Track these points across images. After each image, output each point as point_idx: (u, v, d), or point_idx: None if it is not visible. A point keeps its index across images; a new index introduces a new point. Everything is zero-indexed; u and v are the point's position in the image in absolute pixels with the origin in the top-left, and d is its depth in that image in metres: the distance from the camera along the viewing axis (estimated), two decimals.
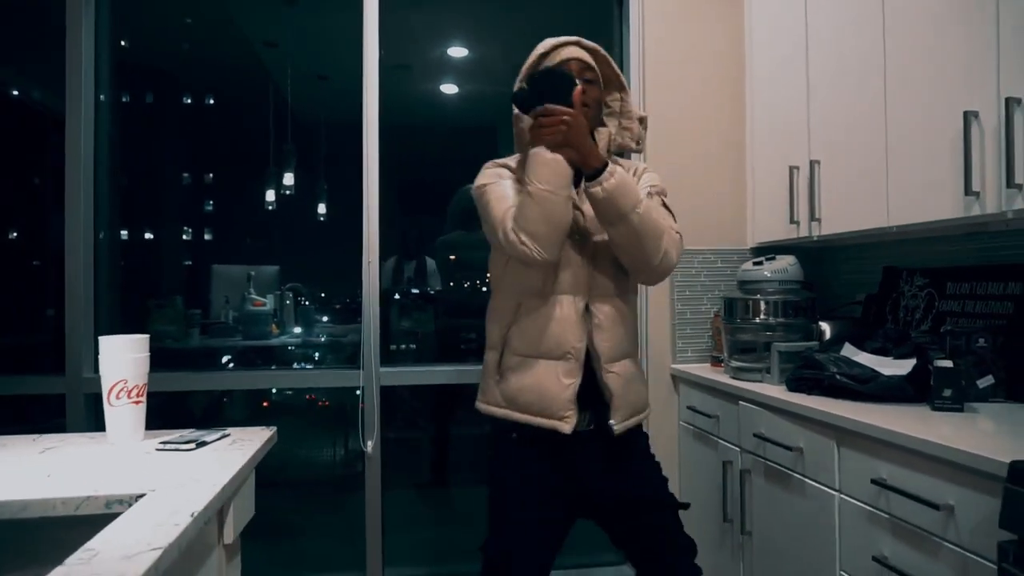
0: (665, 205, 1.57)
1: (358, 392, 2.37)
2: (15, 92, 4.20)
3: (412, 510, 3.34)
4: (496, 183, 1.51)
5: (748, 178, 2.53)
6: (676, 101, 2.53)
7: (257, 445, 1.23)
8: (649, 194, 1.53)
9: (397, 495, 3.04)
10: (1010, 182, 1.41)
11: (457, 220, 3.76)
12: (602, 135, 1.60)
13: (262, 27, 4.40)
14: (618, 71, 1.64)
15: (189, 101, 5.34)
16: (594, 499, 1.55)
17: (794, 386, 1.86)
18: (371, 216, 2.40)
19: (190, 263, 5.37)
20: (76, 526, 0.92)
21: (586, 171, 1.41)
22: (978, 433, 1.35)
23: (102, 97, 2.50)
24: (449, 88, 5.14)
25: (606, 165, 1.39)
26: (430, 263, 4.21)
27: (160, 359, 3.85)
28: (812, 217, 2.10)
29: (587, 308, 1.51)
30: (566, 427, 1.47)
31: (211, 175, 5.82)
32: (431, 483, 3.67)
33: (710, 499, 2.19)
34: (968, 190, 1.50)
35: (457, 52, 4.69)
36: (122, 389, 1.24)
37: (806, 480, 1.67)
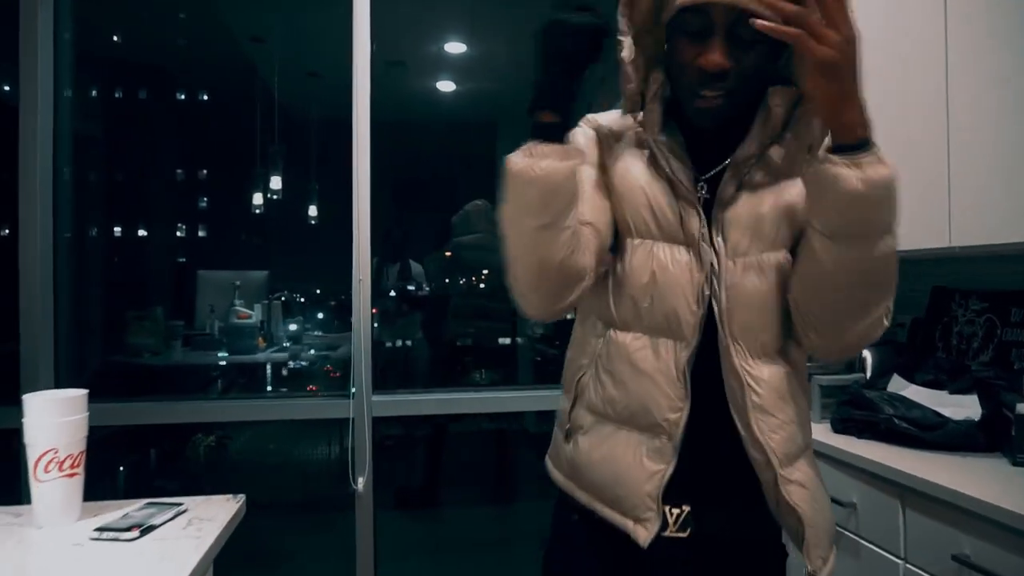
0: None
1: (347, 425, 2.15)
2: None
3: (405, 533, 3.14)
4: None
5: None
6: None
7: (216, 530, 1.00)
8: None
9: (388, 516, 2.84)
10: None
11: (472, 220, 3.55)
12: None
13: (249, 22, 4.15)
14: None
15: (176, 98, 5.11)
16: None
17: (841, 427, 1.64)
18: (362, 228, 2.18)
19: (175, 267, 5.13)
20: None
21: (840, 137, 0.80)
22: None
23: (67, 92, 2.27)
24: (446, 85, 4.92)
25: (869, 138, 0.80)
26: (415, 266, 4.00)
27: (137, 378, 3.61)
28: None
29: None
30: (642, 534, 0.93)
31: (198, 174, 5.59)
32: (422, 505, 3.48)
33: None
34: None
35: (455, 48, 4.46)
36: (52, 460, 1.01)
37: (861, 541, 1.46)
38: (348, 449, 2.13)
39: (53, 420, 1.01)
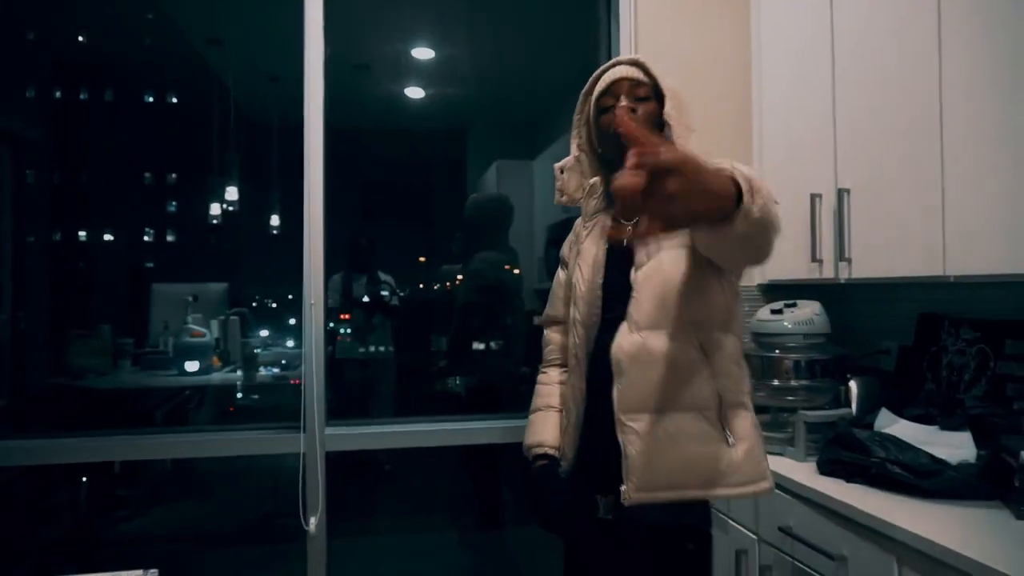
0: None
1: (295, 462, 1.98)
2: None
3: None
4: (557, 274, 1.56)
5: None
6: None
7: None
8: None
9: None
10: None
11: (481, 234, 2.98)
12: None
13: (204, 22, 3.95)
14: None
15: (129, 102, 4.87)
16: None
17: (828, 469, 1.53)
18: (314, 247, 2.02)
19: (127, 280, 4.88)
20: None
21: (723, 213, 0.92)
22: None
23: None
24: (415, 92, 4.77)
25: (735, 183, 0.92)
26: (384, 276, 3.85)
27: (79, 402, 3.37)
28: (840, 256, 1.77)
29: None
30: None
31: (152, 180, 5.34)
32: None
33: None
34: None
35: (423, 54, 4.31)
36: None
37: None
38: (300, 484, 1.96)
39: None
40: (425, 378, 3.65)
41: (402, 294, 4.06)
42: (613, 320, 1.29)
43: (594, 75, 1.41)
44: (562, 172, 1.45)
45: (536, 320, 1.62)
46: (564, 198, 1.45)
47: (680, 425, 1.22)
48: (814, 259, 1.85)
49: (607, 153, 1.38)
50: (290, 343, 4.11)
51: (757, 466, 1.27)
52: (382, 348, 3.86)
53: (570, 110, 1.46)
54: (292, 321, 4.31)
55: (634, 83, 1.34)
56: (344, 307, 3.82)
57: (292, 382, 3.30)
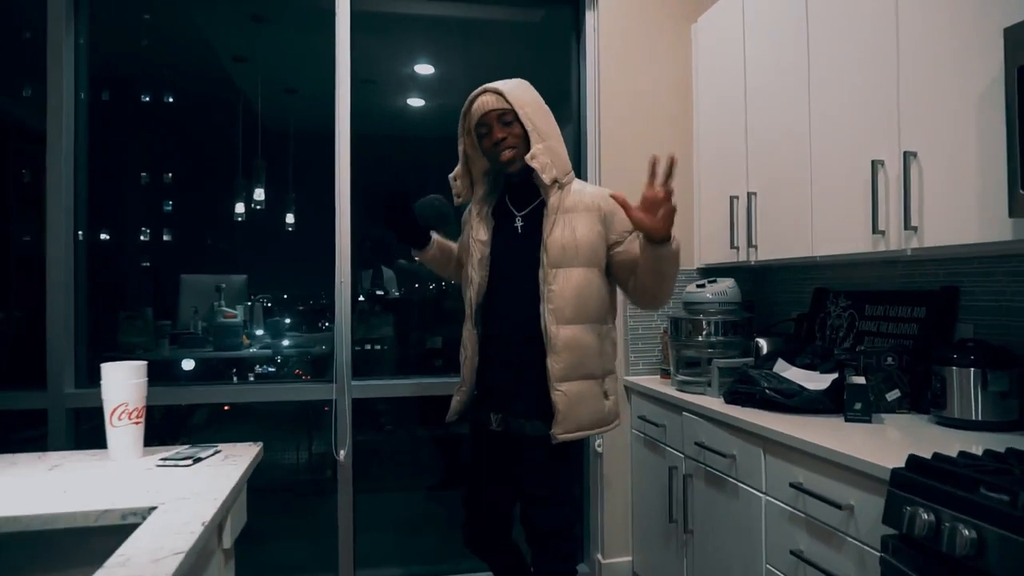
0: None
1: (326, 408, 2.51)
2: None
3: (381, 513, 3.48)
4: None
5: (695, 205, 2.75)
6: (629, 133, 2.73)
7: (248, 460, 1.37)
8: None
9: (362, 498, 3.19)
10: (907, 224, 1.63)
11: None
12: (559, 159, 1.82)
13: (232, 43, 4.50)
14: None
15: (161, 107, 5.40)
16: None
17: (731, 399, 2.06)
18: (343, 235, 2.54)
19: (154, 271, 5.41)
20: (96, 536, 1.06)
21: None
22: (882, 442, 1.56)
23: (81, 98, 2.57)
24: (416, 102, 5.30)
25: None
26: (387, 271, 4.32)
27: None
28: (750, 243, 2.31)
29: None
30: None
31: (181, 183, 5.85)
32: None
33: (658, 502, 2.39)
34: (875, 228, 1.72)
35: (424, 69, 4.85)
36: (123, 411, 1.37)
37: (739, 484, 1.88)
38: (324, 454, 2.50)
39: (125, 381, 1.37)
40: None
41: (397, 293, 4.47)
42: (497, 280, 1.84)
43: (469, 98, 1.84)
44: (455, 180, 1.90)
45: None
46: (460, 198, 1.91)
47: (586, 388, 1.78)
48: (732, 246, 2.40)
49: (494, 166, 1.87)
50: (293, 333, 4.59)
51: (618, 413, 1.90)
52: (379, 347, 4.29)
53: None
54: (288, 321, 4.82)
55: (500, 112, 1.77)
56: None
57: (322, 348, 3.83)
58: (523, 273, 1.79)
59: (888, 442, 1.56)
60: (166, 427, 3.97)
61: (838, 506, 1.45)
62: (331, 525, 2.56)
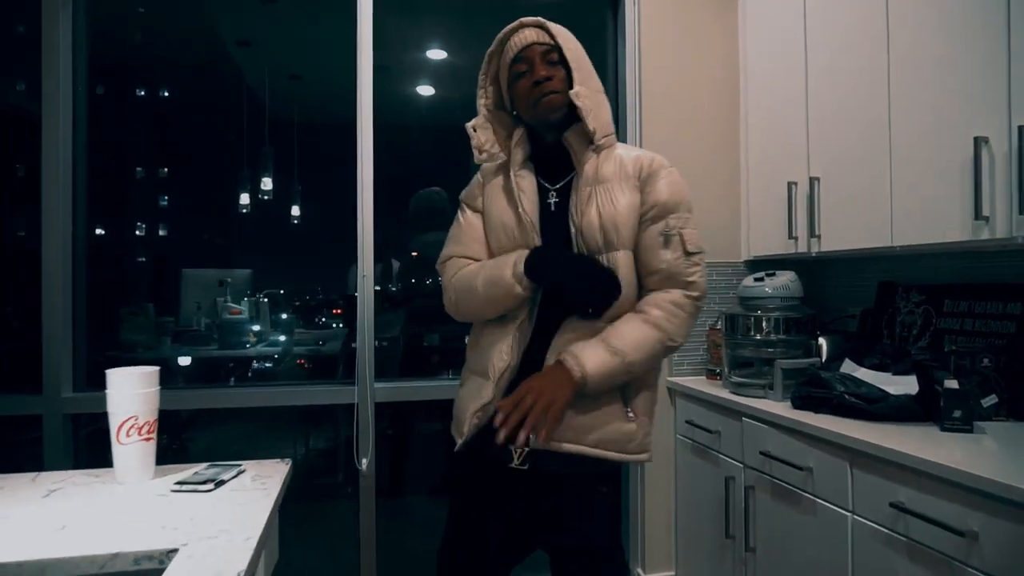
0: (684, 244, 1.38)
1: (352, 405, 2.31)
2: None
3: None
4: (458, 215, 1.56)
5: (743, 192, 2.55)
6: (671, 114, 2.53)
7: (279, 483, 1.17)
8: (666, 236, 1.37)
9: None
10: (1023, 208, 1.43)
11: (425, 221, 3.59)
12: (603, 111, 1.42)
13: (236, 25, 4.27)
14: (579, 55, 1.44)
15: (159, 97, 5.18)
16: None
17: (800, 404, 1.87)
18: (366, 228, 2.34)
19: (156, 266, 5.20)
20: None
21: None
22: (991, 456, 1.37)
23: (79, 89, 2.37)
24: (426, 89, 5.09)
25: (571, 370, 1.29)
26: (396, 265, 4.13)
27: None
28: (812, 233, 2.12)
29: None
30: (458, 440, 1.46)
31: (180, 175, 5.65)
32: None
33: (710, 514, 2.20)
34: (978, 214, 1.53)
35: (436, 55, 4.64)
36: (132, 426, 1.17)
37: (817, 500, 1.68)
38: (326, 450, 2.30)
39: (134, 391, 1.17)
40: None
41: (394, 289, 4.27)
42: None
43: (499, 37, 1.44)
44: (475, 131, 1.46)
45: (438, 265, 1.56)
46: (484, 155, 1.46)
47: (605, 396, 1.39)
48: (790, 236, 2.20)
49: (524, 117, 1.44)
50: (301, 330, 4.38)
51: (646, 447, 1.44)
52: (385, 343, 4.10)
53: None
54: (292, 314, 4.63)
55: (546, 48, 1.39)
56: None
57: (319, 343, 3.65)
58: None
59: (998, 457, 1.37)
60: (161, 425, 3.76)
61: (958, 532, 1.26)
62: (345, 531, 2.36)
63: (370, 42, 2.36)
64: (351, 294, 3.96)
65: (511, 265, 1.35)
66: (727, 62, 2.57)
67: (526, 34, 1.40)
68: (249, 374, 3.91)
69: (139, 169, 5.21)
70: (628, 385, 1.39)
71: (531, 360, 1.38)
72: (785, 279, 2.13)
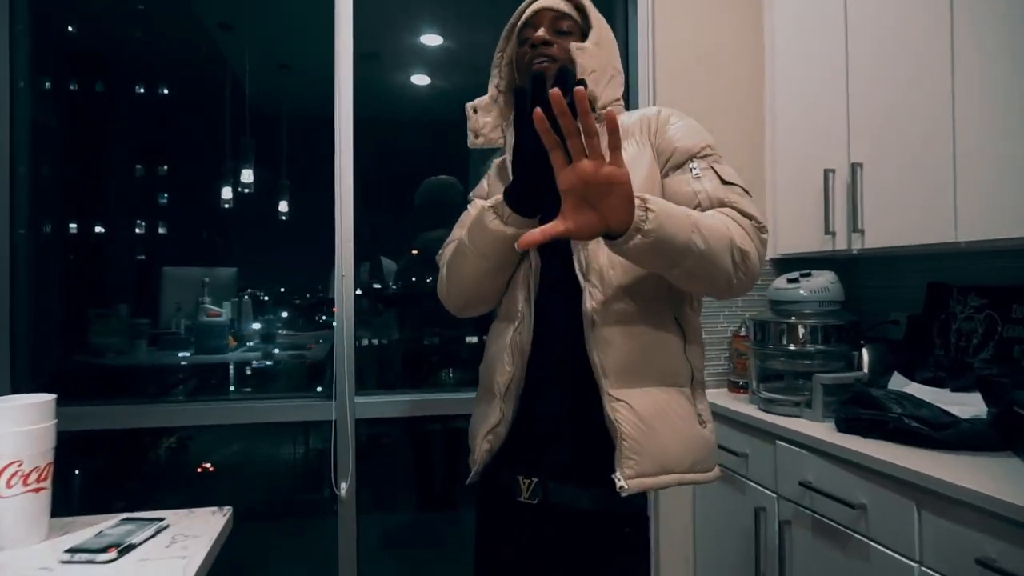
0: (719, 175, 1.17)
1: (327, 431, 2.05)
2: None
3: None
4: (467, 209, 1.38)
5: (768, 181, 2.28)
6: (687, 91, 2.25)
7: (204, 548, 0.90)
8: (695, 174, 1.17)
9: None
10: None
11: (434, 214, 3.30)
12: (614, 83, 1.27)
13: (216, 6, 4.00)
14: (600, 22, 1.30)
15: (137, 89, 4.90)
16: None
17: (845, 426, 1.60)
18: (344, 224, 2.08)
19: (136, 265, 4.93)
20: None
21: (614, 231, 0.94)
22: None
23: (21, 83, 2.11)
24: (420, 79, 4.81)
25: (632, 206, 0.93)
26: (387, 263, 3.89)
27: (100, 380, 3.44)
28: (853, 228, 1.84)
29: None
30: (472, 466, 1.27)
31: (162, 168, 5.39)
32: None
33: (736, 548, 1.93)
34: None
35: (431, 40, 4.36)
36: (16, 473, 0.90)
37: (872, 544, 1.41)
38: (322, 451, 2.03)
39: (17, 429, 0.90)
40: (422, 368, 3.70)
41: (394, 287, 4.07)
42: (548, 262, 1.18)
43: (519, 8, 1.30)
44: (475, 112, 1.31)
45: (439, 254, 1.38)
46: (480, 139, 1.30)
47: (665, 400, 1.13)
48: (827, 231, 1.93)
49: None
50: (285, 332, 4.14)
51: (716, 458, 1.23)
52: (384, 341, 3.89)
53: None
54: (284, 314, 4.38)
55: (558, 15, 1.25)
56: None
57: (308, 347, 3.39)
58: (566, 249, 1.17)
59: None
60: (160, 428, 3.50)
61: None
62: (327, 548, 2.09)
63: (350, 23, 2.09)
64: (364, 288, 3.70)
65: (487, 206, 1.13)
66: (750, 30, 2.30)
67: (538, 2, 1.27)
68: (231, 386, 3.65)
69: (138, 166, 4.94)
70: (692, 379, 1.20)
71: (536, 370, 1.19)
72: (823, 280, 1.85)
